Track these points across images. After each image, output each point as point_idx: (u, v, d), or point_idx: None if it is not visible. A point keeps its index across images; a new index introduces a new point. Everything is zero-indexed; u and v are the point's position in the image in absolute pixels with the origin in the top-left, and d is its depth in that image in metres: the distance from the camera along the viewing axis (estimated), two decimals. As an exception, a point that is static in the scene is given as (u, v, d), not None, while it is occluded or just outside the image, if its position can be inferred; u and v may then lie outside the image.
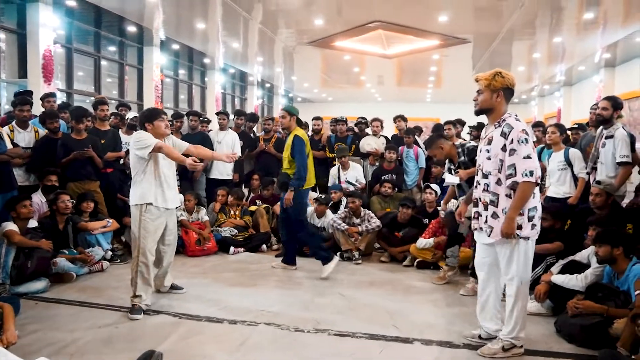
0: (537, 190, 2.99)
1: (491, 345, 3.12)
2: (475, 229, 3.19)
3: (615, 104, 4.56)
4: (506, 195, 2.98)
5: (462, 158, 4.31)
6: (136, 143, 3.69)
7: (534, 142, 3.18)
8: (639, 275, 3.22)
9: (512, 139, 2.89)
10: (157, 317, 3.67)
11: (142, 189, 3.74)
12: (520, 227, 2.93)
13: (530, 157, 2.86)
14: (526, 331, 3.38)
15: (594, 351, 3.03)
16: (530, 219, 2.95)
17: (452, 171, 4.40)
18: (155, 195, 3.75)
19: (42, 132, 5.40)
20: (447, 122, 7.08)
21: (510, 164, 2.90)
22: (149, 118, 3.83)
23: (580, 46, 12.09)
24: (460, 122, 7.11)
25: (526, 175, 2.84)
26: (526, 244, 3.00)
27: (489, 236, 3.05)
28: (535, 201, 2.98)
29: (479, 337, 3.29)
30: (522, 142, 2.87)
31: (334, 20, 10.62)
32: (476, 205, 3.18)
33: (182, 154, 3.84)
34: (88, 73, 11.13)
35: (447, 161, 4.60)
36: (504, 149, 2.94)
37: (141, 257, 3.75)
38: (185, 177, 6.61)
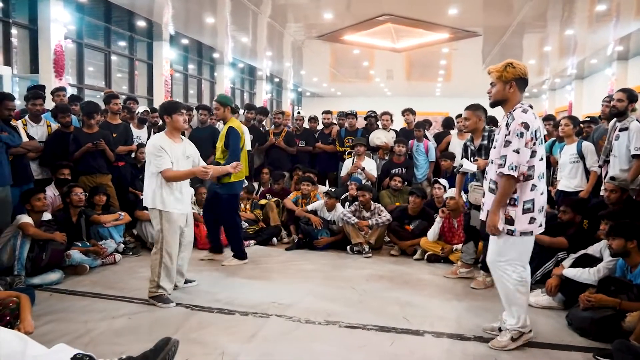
0: (539, 183, 2.96)
1: (500, 337, 3.12)
2: (483, 219, 3.19)
3: (630, 95, 4.51)
4: None
5: (485, 142, 4.27)
6: (155, 156, 3.73)
7: (545, 135, 3.17)
8: (653, 268, 3.20)
9: (510, 130, 2.90)
10: (169, 309, 3.70)
11: (158, 194, 3.77)
12: (511, 222, 2.92)
13: (518, 152, 2.85)
14: (538, 324, 3.40)
15: (606, 344, 3.01)
16: (525, 211, 2.93)
17: (471, 159, 4.38)
18: (173, 202, 3.81)
19: (55, 126, 5.46)
20: (458, 116, 7.03)
21: (503, 154, 2.91)
22: (168, 110, 3.88)
23: (592, 39, 11.96)
24: None
25: (511, 168, 2.85)
26: (524, 239, 2.98)
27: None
28: (534, 194, 2.95)
29: (499, 329, 3.26)
30: (517, 135, 2.87)
31: (343, 14, 10.59)
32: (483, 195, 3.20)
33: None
34: (98, 68, 11.20)
35: (462, 149, 4.61)
36: (504, 139, 2.94)
37: (165, 248, 3.79)
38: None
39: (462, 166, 4.36)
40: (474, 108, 4.37)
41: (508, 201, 2.95)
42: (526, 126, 2.87)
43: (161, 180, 3.76)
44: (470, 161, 4.32)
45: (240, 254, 5.05)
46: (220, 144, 4.85)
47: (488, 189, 3.12)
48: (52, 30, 8.60)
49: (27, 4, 8.70)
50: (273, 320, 3.49)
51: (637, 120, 4.53)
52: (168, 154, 3.74)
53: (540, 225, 3.01)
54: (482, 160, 4.19)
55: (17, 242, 4.10)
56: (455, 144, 6.60)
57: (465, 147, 4.53)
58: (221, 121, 5.51)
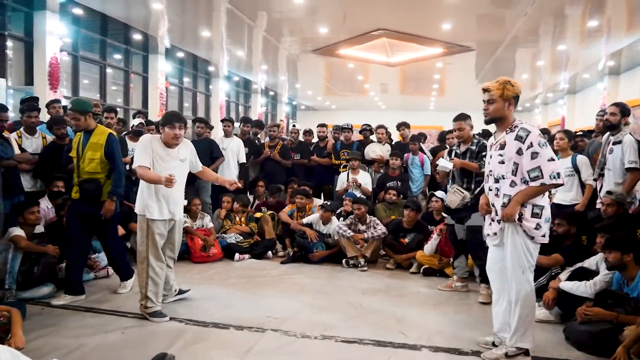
0: (546, 194, 3.01)
1: (495, 350, 3.10)
2: (488, 234, 3.17)
3: (623, 109, 4.56)
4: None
5: (473, 147, 4.35)
6: (137, 152, 3.75)
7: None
8: (650, 281, 3.20)
9: (532, 142, 2.91)
10: (162, 323, 3.65)
11: (140, 199, 3.77)
12: (521, 218, 2.93)
13: (554, 160, 2.91)
14: (535, 338, 3.35)
15: (605, 358, 3.00)
16: (534, 215, 2.94)
17: (457, 155, 4.44)
18: (156, 209, 3.74)
19: (50, 138, 5.42)
20: (449, 132, 7.08)
21: (535, 166, 2.90)
22: (162, 122, 3.85)
23: (584, 54, 12.11)
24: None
25: (554, 177, 2.89)
26: (529, 242, 2.97)
27: (496, 222, 3.06)
28: (544, 202, 2.99)
29: (492, 344, 3.25)
30: (543, 145, 2.91)
31: (338, 28, 10.69)
32: (490, 212, 3.17)
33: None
34: (93, 81, 11.21)
35: (447, 152, 4.70)
36: (519, 152, 2.94)
37: (150, 257, 3.74)
38: (191, 183, 6.60)
39: (437, 165, 4.50)
40: (463, 118, 4.45)
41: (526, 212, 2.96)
42: (543, 137, 2.95)
43: (146, 184, 3.72)
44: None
45: (124, 275, 4.46)
46: (95, 154, 4.03)
47: (494, 206, 3.09)
48: (47, 43, 8.60)
49: (22, 16, 8.71)
50: (268, 335, 3.45)
51: (630, 133, 4.57)
52: (150, 154, 3.70)
53: (543, 236, 2.99)
54: (457, 160, 4.31)
55: (8, 256, 4.03)
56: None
57: (450, 151, 4.60)
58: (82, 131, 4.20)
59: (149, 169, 3.68)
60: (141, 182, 3.78)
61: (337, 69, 15.44)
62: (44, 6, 8.48)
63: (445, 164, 4.38)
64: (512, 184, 2.99)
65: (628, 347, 2.82)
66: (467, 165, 4.29)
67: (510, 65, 13.70)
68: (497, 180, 3.08)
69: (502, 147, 3.04)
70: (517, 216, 2.93)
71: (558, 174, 2.88)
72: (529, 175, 2.93)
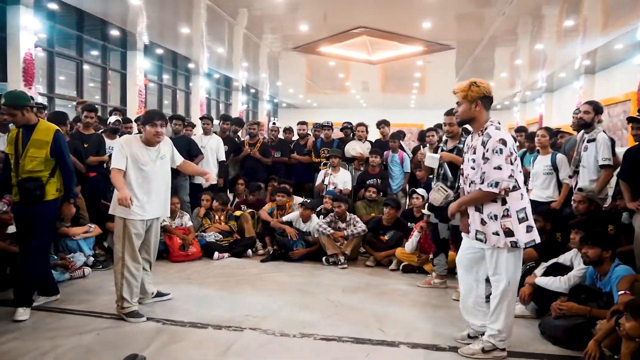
0: (525, 192, 3.04)
1: (472, 345, 3.14)
2: (462, 231, 3.21)
3: (596, 107, 4.65)
4: (492, 200, 2.99)
5: (461, 146, 4.30)
6: (114, 152, 3.72)
7: (516, 146, 3.22)
8: (622, 276, 3.27)
9: (488, 148, 2.94)
10: (139, 324, 3.60)
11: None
12: (511, 233, 2.93)
13: (501, 168, 2.89)
14: (512, 333, 3.41)
15: (578, 352, 3.05)
16: (521, 220, 2.96)
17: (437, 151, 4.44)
18: (134, 208, 3.65)
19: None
20: (429, 130, 7.14)
21: (483, 171, 2.95)
22: (143, 121, 3.81)
23: (560, 53, 12.31)
24: (441, 127, 7.16)
25: (491, 185, 2.90)
26: (519, 251, 3.01)
27: (484, 243, 3.04)
28: (524, 202, 3.00)
29: (468, 336, 3.32)
30: (497, 152, 2.90)
31: (319, 26, 10.67)
32: (464, 214, 3.21)
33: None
34: (70, 77, 10.99)
35: (432, 149, 4.69)
36: (483, 157, 2.97)
37: (126, 257, 3.69)
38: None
39: (424, 155, 4.49)
40: (454, 113, 4.43)
41: (502, 213, 2.95)
42: (504, 142, 2.92)
43: (124, 183, 3.65)
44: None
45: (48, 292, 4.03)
46: (39, 153, 3.68)
47: (475, 208, 3.10)
48: (21, 38, 8.40)
49: (-5, 11, 8.50)
50: (247, 334, 3.43)
51: (603, 131, 4.66)
52: (126, 156, 3.66)
53: (535, 235, 3.03)
54: (445, 154, 4.26)
55: (-21, 256, 3.92)
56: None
57: (436, 149, 4.60)
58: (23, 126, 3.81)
59: (124, 171, 3.65)
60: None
61: (318, 66, 15.42)
62: (18, 1, 8.28)
63: (432, 158, 4.36)
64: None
65: (599, 341, 2.88)
66: (455, 159, 4.18)
67: (489, 63, 13.84)
68: (470, 185, 3.11)
69: (475, 151, 3.07)
70: (502, 238, 2.94)
71: (497, 183, 2.87)
72: (480, 179, 2.97)
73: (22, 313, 3.61)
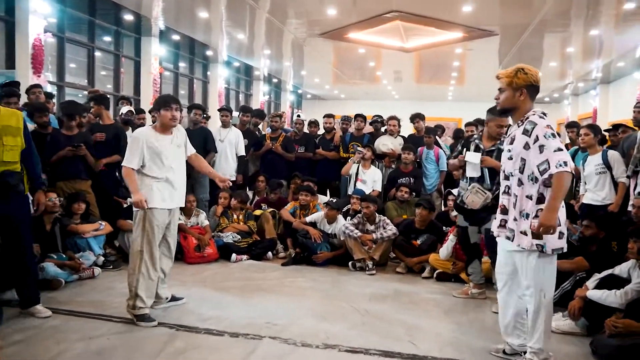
0: None
1: (521, 363, 3.09)
2: (499, 235, 3.18)
3: None
4: (526, 196, 2.97)
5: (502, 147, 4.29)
6: (128, 148, 3.84)
7: (567, 144, 3.18)
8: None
9: (537, 135, 2.89)
10: (151, 329, 3.66)
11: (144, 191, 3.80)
12: (539, 236, 2.87)
13: (562, 150, 2.85)
14: (558, 351, 3.37)
15: (635, 374, 2.98)
16: None
17: (480, 150, 4.36)
18: (158, 199, 3.80)
19: (31, 126, 5.44)
20: (467, 124, 7.07)
21: (544, 159, 2.87)
22: (156, 105, 3.93)
23: (619, 40, 11.99)
24: (481, 122, 7.08)
25: (560, 165, 2.81)
26: (551, 258, 2.97)
27: (512, 241, 3.03)
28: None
29: (504, 352, 3.30)
30: (549, 136, 2.86)
31: (348, 10, 10.64)
32: (502, 212, 3.17)
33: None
34: (81, 64, 11.24)
35: (463, 143, 4.69)
36: (526, 147, 2.93)
37: (146, 251, 3.79)
38: (187, 178, 6.63)
39: (460, 153, 4.43)
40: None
41: (535, 213, 2.90)
42: (552, 128, 2.91)
43: (141, 175, 3.80)
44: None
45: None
46: (16, 141, 3.65)
47: (511, 204, 3.08)
48: (30, 23, 8.62)
49: (4, -6, 8.76)
50: (266, 343, 3.45)
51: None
52: (141, 151, 3.76)
53: (564, 243, 2.99)
54: (489, 159, 4.21)
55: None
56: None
57: (468, 142, 4.54)
58: None
59: (134, 170, 3.77)
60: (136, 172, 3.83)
61: (346, 54, 15.40)
62: (27, -17, 8.52)
63: (472, 158, 4.30)
64: (519, 182, 3.00)
65: None
66: (497, 165, 4.07)
67: (537, 51, 13.61)
68: (507, 177, 3.10)
69: (512, 141, 3.05)
70: (529, 238, 2.90)
71: (565, 162, 2.81)
72: (538, 169, 2.90)
73: (44, 310, 3.80)
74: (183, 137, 4.08)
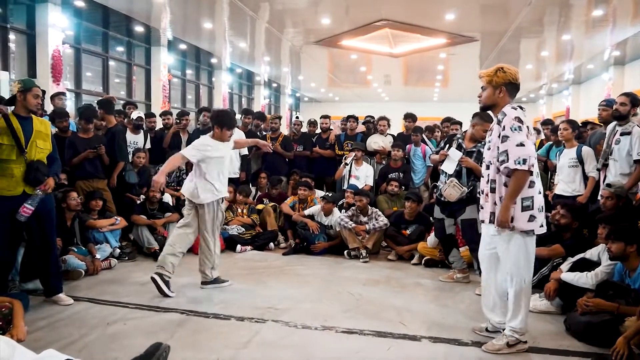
0: (537, 180, 2.97)
1: (495, 341, 3.11)
2: (483, 220, 3.19)
3: (634, 99, 4.51)
4: (504, 184, 2.98)
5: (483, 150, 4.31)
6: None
7: (542, 139, 3.17)
8: (651, 272, 3.19)
9: (505, 125, 2.90)
10: (164, 314, 3.67)
11: (203, 188, 4.19)
12: (512, 219, 2.91)
13: (524, 145, 2.83)
14: (536, 329, 3.39)
15: (605, 349, 3.00)
16: (524, 208, 2.92)
17: (462, 149, 4.36)
18: (218, 188, 4.25)
19: (53, 130, 5.42)
20: (445, 120, 7.13)
21: (503, 150, 2.89)
22: (220, 123, 4.28)
23: (589, 44, 12.00)
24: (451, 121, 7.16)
25: (519, 162, 2.82)
26: (524, 238, 2.96)
27: (491, 222, 3.04)
28: (533, 191, 2.94)
29: (486, 329, 3.31)
30: (515, 129, 2.86)
31: (341, 19, 10.62)
32: (485, 198, 3.18)
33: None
34: (96, 73, 11.20)
35: (446, 140, 4.70)
36: (499, 136, 2.94)
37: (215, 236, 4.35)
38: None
39: (443, 149, 4.45)
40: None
41: None
42: (520, 120, 2.88)
43: (202, 178, 4.16)
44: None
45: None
46: (46, 145, 3.73)
47: (489, 190, 3.08)
48: (49, 36, 8.60)
49: (25, 9, 8.70)
50: (269, 326, 3.46)
51: (638, 125, 4.51)
52: (202, 154, 4.15)
53: (542, 226, 2.98)
54: (469, 160, 4.23)
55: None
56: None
57: (451, 140, 4.53)
58: None
59: (186, 160, 4.25)
60: (197, 175, 4.18)
61: (340, 60, 15.37)
62: (46, -1, 8.48)
63: (454, 155, 4.32)
64: (497, 170, 3.00)
65: (629, 338, 2.81)
66: (476, 169, 4.14)
67: (514, 55, 13.59)
68: (487, 167, 3.11)
69: (491, 133, 3.07)
70: (510, 219, 2.90)
71: (524, 160, 2.80)
72: (498, 160, 2.92)
73: (66, 298, 3.84)
74: (232, 137, 4.51)
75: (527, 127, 2.92)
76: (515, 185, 2.87)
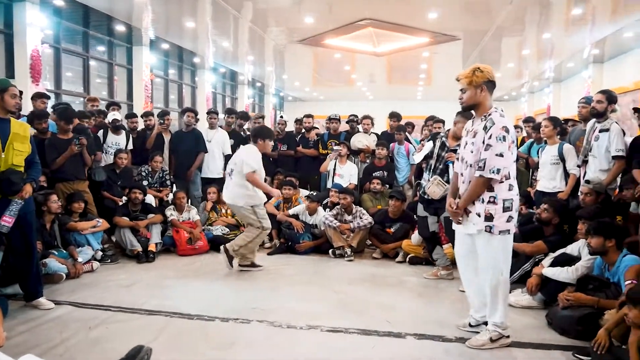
0: (515, 183, 3.06)
1: (479, 336, 3.15)
2: (458, 222, 3.22)
3: (610, 97, 4.56)
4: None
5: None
6: (245, 160, 4.71)
7: (523, 137, 3.23)
8: (630, 265, 3.25)
9: (491, 135, 2.95)
10: (148, 316, 3.63)
11: (253, 192, 4.77)
12: (491, 218, 2.97)
13: (503, 156, 2.92)
14: (518, 323, 3.43)
15: (586, 342, 3.04)
16: (505, 209, 2.99)
17: (446, 147, 4.42)
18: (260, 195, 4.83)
19: (32, 132, 5.32)
20: (429, 119, 7.17)
21: (483, 157, 2.97)
22: (263, 136, 4.89)
23: (569, 42, 12.15)
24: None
25: (493, 172, 2.94)
26: (502, 236, 3.02)
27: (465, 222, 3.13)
28: (512, 194, 3.03)
29: (469, 325, 3.35)
30: (500, 139, 2.93)
31: (325, 18, 10.60)
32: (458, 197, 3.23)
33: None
34: (77, 73, 11.01)
35: (430, 137, 4.77)
36: (483, 142, 2.99)
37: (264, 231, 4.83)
38: (180, 177, 6.59)
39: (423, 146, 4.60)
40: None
41: (488, 199, 3.00)
42: (507, 130, 2.95)
43: (245, 185, 4.72)
44: (443, 155, 4.39)
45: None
46: (24, 148, 3.64)
47: (464, 190, 3.15)
48: (28, 35, 8.41)
49: (2, 8, 8.52)
50: (254, 326, 3.45)
51: (616, 122, 4.59)
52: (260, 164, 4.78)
53: (515, 225, 3.09)
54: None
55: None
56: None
57: (435, 138, 4.59)
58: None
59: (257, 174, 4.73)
60: (238, 182, 4.71)
61: (324, 59, 15.34)
62: (24, -3, 8.31)
63: (427, 149, 4.49)
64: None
65: (609, 330, 2.86)
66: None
67: (496, 54, 13.71)
68: (467, 168, 3.14)
69: (475, 135, 3.08)
70: (481, 222, 3.00)
71: (498, 170, 2.92)
72: (477, 164, 2.99)
73: (47, 302, 3.77)
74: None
75: (512, 134, 2.99)
76: (475, 190, 3.03)
